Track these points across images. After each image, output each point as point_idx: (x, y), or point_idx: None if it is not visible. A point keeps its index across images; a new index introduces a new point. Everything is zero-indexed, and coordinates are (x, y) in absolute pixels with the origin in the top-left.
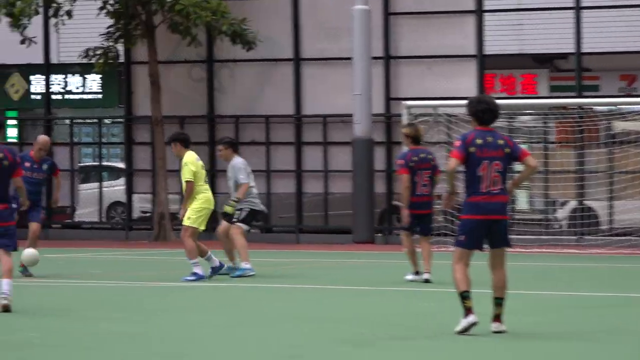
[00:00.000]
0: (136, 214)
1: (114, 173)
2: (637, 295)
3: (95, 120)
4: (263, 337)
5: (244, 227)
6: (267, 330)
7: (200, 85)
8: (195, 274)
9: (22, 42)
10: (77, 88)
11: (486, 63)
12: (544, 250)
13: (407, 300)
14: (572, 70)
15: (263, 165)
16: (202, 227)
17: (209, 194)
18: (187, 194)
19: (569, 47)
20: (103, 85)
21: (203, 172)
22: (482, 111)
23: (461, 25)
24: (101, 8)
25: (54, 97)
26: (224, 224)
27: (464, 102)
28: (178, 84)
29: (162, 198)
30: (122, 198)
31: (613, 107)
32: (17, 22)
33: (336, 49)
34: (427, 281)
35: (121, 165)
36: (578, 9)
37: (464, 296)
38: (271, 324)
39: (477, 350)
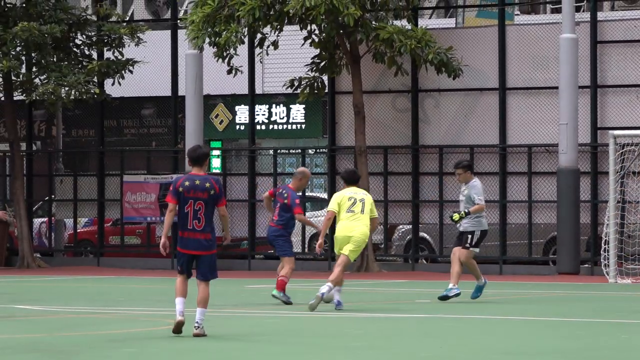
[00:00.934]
0: None
1: (317, 203)
2: None
3: (298, 151)
4: None
5: (476, 250)
6: None
7: (404, 115)
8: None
9: (229, 72)
10: (282, 118)
11: None
12: None
13: (615, 332)
14: None
15: None
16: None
17: (346, 222)
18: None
19: None
20: (307, 116)
21: (347, 203)
22: None
23: None
24: (306, 38)
25: (258, 127)
26: (457, 248)
27: None
28: (382, 113)
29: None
30: None
31: None
32: (221, 53)
33: (542, 78)
34: None
35: (324, 195)
36: None
37: None
38: (474, 358)
39: None
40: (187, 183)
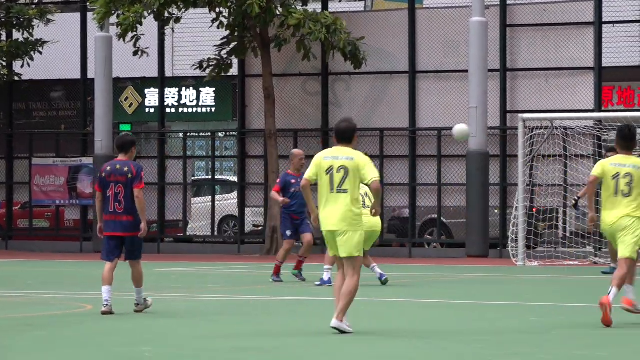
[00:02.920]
0: (248, 227)
1: (227, 187)
2: None
3: (208, 134)
4: (376, 355)
5: None
6: (377, 346)
7: (314, 99)
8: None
9: (135, 53)
10: (191, 101)
11: (604, 75)
12: None
13: (525, 314)
14: None
15: None
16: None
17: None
18: None
19: None
20: (217, 99)
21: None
22: None
23: (580, 37)
24: (214, 20)
25: (168, 110)
26: None
27: (581, 114)
28: (292, 97)
29: (275, 212)
30: (235, 212)
31: None
32: (124, 34)
33: (452, 61)
34: None
35: (234, 178)
36: None
37: None
38: (382, 339)
39: None
40: (108, 168)
